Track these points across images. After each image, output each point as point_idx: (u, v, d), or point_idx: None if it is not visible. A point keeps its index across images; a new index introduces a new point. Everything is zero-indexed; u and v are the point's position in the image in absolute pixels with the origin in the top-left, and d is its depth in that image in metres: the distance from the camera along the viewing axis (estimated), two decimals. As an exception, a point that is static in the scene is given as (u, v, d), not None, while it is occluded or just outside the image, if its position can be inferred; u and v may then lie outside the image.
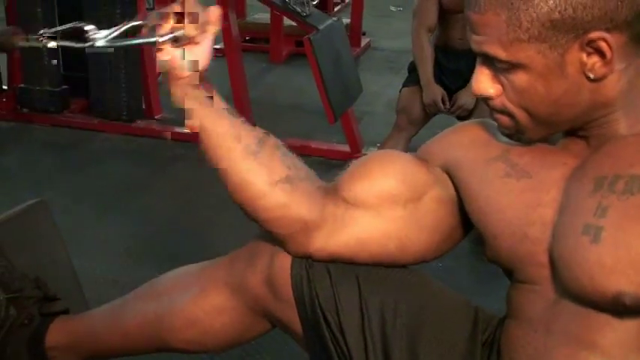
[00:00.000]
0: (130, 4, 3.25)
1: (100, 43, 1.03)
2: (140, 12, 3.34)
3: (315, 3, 3.72)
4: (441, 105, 2.63)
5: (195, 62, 1.02)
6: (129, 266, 2.16)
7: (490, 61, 0.91)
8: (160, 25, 1.00)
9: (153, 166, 3.05)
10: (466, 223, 1.08)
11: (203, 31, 1.01)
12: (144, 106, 3.50)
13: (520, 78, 0.89)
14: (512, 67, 0.89)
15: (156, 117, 3.54)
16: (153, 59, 3.61)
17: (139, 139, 3.31)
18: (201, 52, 1.03)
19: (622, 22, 0.85)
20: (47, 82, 3.38)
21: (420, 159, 1.10)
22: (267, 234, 1.10)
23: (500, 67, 0.90)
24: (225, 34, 3.13)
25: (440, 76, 2.69)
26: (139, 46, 1.04)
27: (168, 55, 1.01)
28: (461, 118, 2.69)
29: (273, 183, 1.04)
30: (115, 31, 1.03)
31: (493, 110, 0.96)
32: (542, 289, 0.96)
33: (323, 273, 1.08)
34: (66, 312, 1.31)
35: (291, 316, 1.10)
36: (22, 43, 1.11)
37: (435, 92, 2.64)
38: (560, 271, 0.92)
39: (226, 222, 2.48)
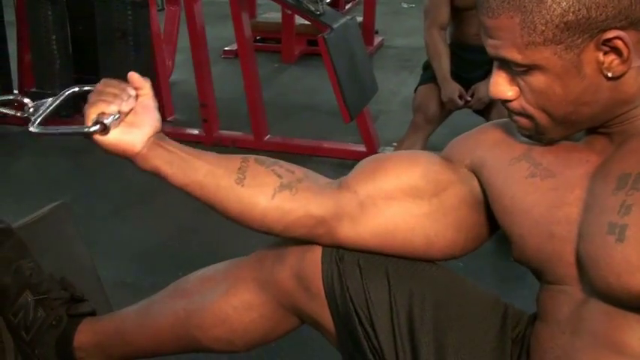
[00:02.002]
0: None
1: (33, 129, 1.08)
2: (153, 22, 3.37)
3: (327, 1, 3.75)
4: (459, 101, 2.65)
5: (142, 130, 1.06)
6: (145, 270, 2.19)
7: (507, 64, 0.93)
8: (85, 118, 1.04)
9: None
10: (492, 222, 1.10)
11: (129, 98, 1.05)
12: (156, 109, 3.55)
13: (537, 80, 0.91)
14: (529, 69, 0.91)
15: (168, 119, 3.59)
16: (164, 61, 3.66)
17: (151, 141, 3.36)
18: (143, 117, 1.07)
19: (637, 19, 0.87)
20: (58, 85, 3.40)
21: (445, 158, 1.12)
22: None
23: (517, 70, 0.92)
24: (237, 34, 3.17)
25: (456, 71, 2.71)
26: (72, 135, 1.09)
27: (107, 142, 1.06)
28: (479, 112, 2.71)
29: (270, 197, 1.07)
30: (51, 105, 1.08)
31: (512, 113, 0.98)
32: (570, 290, 0.98)
33: (353, 267, 1.10)
34: (93, 313, 1.34)
35: (322, 311, 1.12)
36: None
37: (452, 89, 2.66)
38: (587, 270, 0.94)
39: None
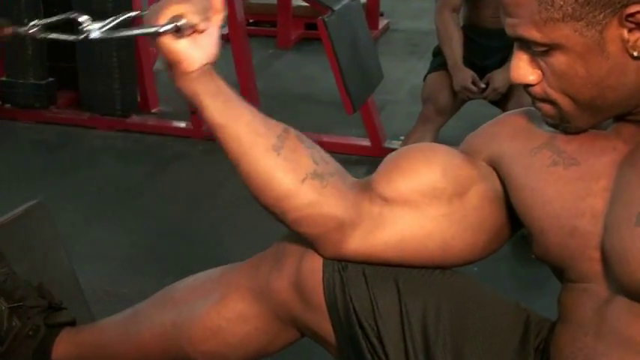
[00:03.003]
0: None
1: (95, 35, 1.06)
2: (135, 2, 3.39)
3: (327, -20, 3.75)
4: (473, 88, 2.66)
5: (203, 53, 1.05)
6: (129, 277, 2.20)
7: (527, 46, 0.95)
8: (159, 14, 1.02)
9: (152, 165, 3.09)
10: (514, 221, 1.11)
11: (207, 18, 1.03)
12: (139, 99, 3.55)
13: (559, 60, 0.93)
14: (550, 49, 0.92)
15: (153, 111, 3.59)
16: (148, 47, 3.67)
17: (134, 135, 3.36)
18: (208, 42, 1.05)
19: None
20: (32, 74, 3.42)
21: (464, 152, 1.14)
22: (296, 235, 1.14)
23: (537, 51, 0.94)
24: (229, 17, 3.17)
25: (469, 58, 2.71)
26: (137, 37, 1.07)
27: (171, 47, 1.04)
28: (495, 103, 2.72)
29: (300, 180, 1.07)
30: (110, 22, 1.06)
31: (534, 99, 1.00)
32: (594, 288, 0.99)
33: (358, 276, 1.11)
34: (73, 323, 1.35)
35: (323, 323, 1.13)
36: (9, 36, 1.15)
37: (465, 76, 2.66)
38: (612, 266, 0.95)
39: (236, 225, 2.53)
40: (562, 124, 1.00)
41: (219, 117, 1.06)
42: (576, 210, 0.99)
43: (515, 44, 0.97)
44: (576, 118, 0.98)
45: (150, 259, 2.31)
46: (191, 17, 1.02)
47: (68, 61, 3.48)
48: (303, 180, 1.07)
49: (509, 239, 1.17)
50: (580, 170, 1.00)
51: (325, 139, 3.21)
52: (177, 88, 1.07)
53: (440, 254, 1.11)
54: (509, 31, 0.95)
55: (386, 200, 1.10)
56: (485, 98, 2.71)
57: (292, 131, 1.10)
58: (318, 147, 1.12)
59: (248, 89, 3.22)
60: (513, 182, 1.07)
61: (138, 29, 1.08)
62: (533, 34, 0.92)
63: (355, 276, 1.11)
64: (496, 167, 1.10)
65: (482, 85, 2.66)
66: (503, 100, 2.68)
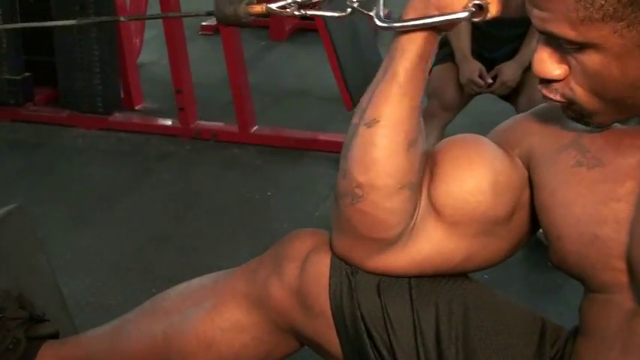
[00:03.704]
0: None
1: (382, 24, 1.05)
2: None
3: (324, -33, 3.76)
4: (480, 81, 2.66)
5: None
6: (113, 286, 2.20)
7: (556, 41, 0.94)
8: None
9: (136, 166, 3.09)
10: (534, 221, 1.12)
11: None
12: (122, 96, 3.55)
13: (592, 60, 0.92)
14: (583, 47, 0.91)
15: (137, 108, 3.60)
16: (131, 39, 3.67)
17: (118, 134, 3.36)
18: None
19: None
20: (6, 68, 3.40)
21: (505, 150, 1.12)
22: (297, 236, 1.15)
23: (568, 48, 0.93)
24: (218, 6, 3.18)
25: (478, 49, 2.72)
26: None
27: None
28: (505, 98, 2.73)
29: (402, 185, 1.05)
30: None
31: (549, 95, 0.98)
32: (618, 299, 1.00)
33: (369, 282, 1.12)
34: (55, 335, 1.36)
35: (327, 332, 1.14)
36: (262, 13, 1.15)
37: (472, 68, 2.67)
38: (639, 276, 0.96)
39: (228, 230, 2.54)
40: (583, 119, 1.00)
41: (406, 79, 1.03)
42: (598, 216, 0.99)
43: (541, 36, 0.96)
44: (600, 114, 0.98)
45: (136, 267, 2.32)
46: None
47: (46, 55, 3.48)
48: (403, 186, 1.06)
49: (529, 241, 1.18)
50: (604, 172, 1.00)
51: (321, 137, 3.23)
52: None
53: (461, 267, 1.12)
54: (536, 24, 0.93)
55: (425, 215, 1.09)
56: (493, 92, 2.71)
57: (424, 131, 1.09)
58: (424, 144, 1.09)
59: (239, 84, 3.23)
60: (536, 181, 1.08)
61: (443, 17, 1.03)
62: (567, 32, 0.90)
63: (365, 281, 1.12)
64: (527, 164, 1.11)
65: (490, 80, 2.67)
66: (514, 94, 2.69)
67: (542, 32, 0.94)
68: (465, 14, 1.02)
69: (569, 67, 0.95)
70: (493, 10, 1.04)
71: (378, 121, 1.04)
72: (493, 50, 2.73)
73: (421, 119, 1.08)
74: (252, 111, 3.31)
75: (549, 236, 1.05)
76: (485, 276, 2.17)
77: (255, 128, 3.30)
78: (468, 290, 1.13)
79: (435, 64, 2.86)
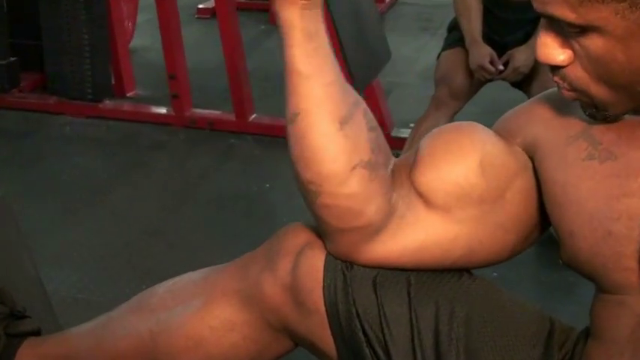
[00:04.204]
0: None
1: None
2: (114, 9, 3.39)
3: (327, -54, 3.76)
4: (490, 67, 2.66)
5: None
6: (101, 283, 2.20)
7: (558, 25, 0.94)
8: None
9: (127, 156, 3.10)
10: (545, 218, 1.11)
11: None
12: (113, 82, 3.56)
13: (595, 43, 0.92)
14: (585, 30, 0.91)
15: (128, 95, 3.60)
16: (122, 22, 3.67)
17: (108, 122, 3.37)
18: None
19: None
20: (-8, 53, 3.42)
21: (503, 138, 1.13)
22: (292, 230, 1.15)
23: (570, 32, 0.93)
24: (215, -12, 3.19)
25: (488, 33, 2.72)
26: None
27: None
28: (516, 85, 2.73)
29: (351, 165, 1.06)
30: None
31: (561, 86, 0.98)
32: (630, 301, 1.00)
33: (364, 276, 1.12)
34: (37, 332, 1.36)
35: (321, 330, 1.14)
36: None
37: (482, 53, 2.66)
38: None
39: (221, 225, 2.54)
40: (599, 112, 0.99)
41: (302, 64, 1.03)
42: (611, 211, 0.99)
43: (543, 20, 0.96)
44: (612, 104, 0.98)
45: (125, 262, 2.32)
46: None
47: (33, 39, 3.48)
48: (354, 167, 1.06)
49: (540, 238, 1.17)
50: (617, 165, 1.00)
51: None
52: (273, 9, 1.04)
53: (464, 260, 1.12)
54: (537, 7, 0.93)
55: (416, 195, 1.10)
56: (504, 79, 2.71)
57: (362, 105, 1.09)
58: (379, 129, 1.11)
59: (236, 70, 3.23)
60: (545, 175, 1.07)
61: None
62: (567, 14, 0.90)
63: (361, 276, 1.12)
64: (531, 155, 1.10)
65: (501, 66, 2.66)
66: (526, 81, 2.68)
67: (543, 15, 0.94)
68: None
69: (574, 53, 0.95)
70: None
71: (297, 114, 1.05)
72: (505, 34, 2.73)
73: (348, 92, 1.07)
74: (251, 98, 3.31)
75: (560, 233, 1.05)
76: (495, 274, 2.18)
77: (253, 117, 3.30)
78: (471, 289, 1.13)
79: (443, 49, 2.86)
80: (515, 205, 1.11)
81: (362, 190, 1.06)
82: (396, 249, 1.11)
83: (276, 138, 3.16)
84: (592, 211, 1.00)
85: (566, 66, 0.96)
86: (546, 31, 0.96)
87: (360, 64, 2.97)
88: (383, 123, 3.15)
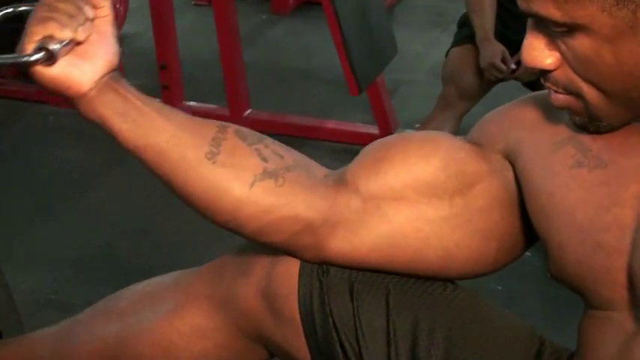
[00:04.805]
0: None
1: None
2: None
3: None
4: (502, 66, 2.65)
5: (95, 65, 1.05)
6: (79, 285, 2.21)
7: (544, 24, 0.94)
8: (24, 40, 1.03)
9: (113, 149, 3.00)
10: (532, 228, 1.11)
11: (84, 23, 1.04)
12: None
13: (582, 44, 0.92)
14: (571, 29, 0.92)
15: (117, 84, 3.61)
16: (113, 6, 3.67)
17: (93, 113, 3.37)
18: (97, 48, 1.06)
19: None
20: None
21: (473, 143, 1.14)
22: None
23: (556, 31, 0.93)
24: (211, -27, 3.19)
25: (501, 30, 2.71)
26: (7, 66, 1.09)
27: (49, 75, 1.04)
28: (530, 85, 2.72)
29: (248, 184, 1.08)
30: None
31: (553, 90, 0.98)
32: (619, 317, 1.00)
33: (341, 283, 1.12)
34: (-1, 336, 1.37)
35: (296, 340, 1.14)
36: None
37: (493, 51, 2.65)
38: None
39: (212, 225, 2.52)
40: (592, 123, 1.00)
41: (135, 139, 1.07)
42: (600, 222, 0.99)
43: (529, 21, 0.97)
44: (607, 113, 0.98)
45: (106, 263, 2.33)
46: (61, 34, 1.02)
47: (15, 21, 3.47)
48: (252, 184, 1.08)
49: (527, 249, 1.17)
50: (607, 174, 1.00)
51: (325, 124, 3.23)
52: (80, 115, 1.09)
53: (440, 264, 1.12)
54: (522, 4, 0.94)
55: (370, 196, 1.11)
56: (517, 79, 2.70)
57: (231, 129, 1.11)
58: (268, 139, 1.13)
59: (232, 61, 3.23)
60: (529, 184, 1.07)
61: (5, 57, 1.07)
62: (551, 12, 0.91)
63: (338, 283, 1.12)
64: (512, 162, 1.11)
65: (513, 65, 2.66)
66: (540, 82, 2.66)
67: (528, 14, 0.95)
68: (30, 58, 1.03)
69: (562, 55, 0.96)
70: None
71: (168, 180, 1.09)
72: (518, 31, 2.69)
73: (203, 124, 1.11)
74: (247, 92, 3.31)
75: (548, 244, 1.05)
76: (499, 287, 2.17)
77: (248, 112, 3.30)
78: (455, 302, 1.13)
79: (452, 46, 2.86)
80: (487, 211, 1.11)
81: (276, 199, 1.09)
82: (363, 245, 1.11)
83: (272, 135, 3.14)
84: (581, 222, 1.00)
85: (555, 70, 0.97)
86: (533, 33, 0.97)
87: (364, 60, 2.98)
88: (386, 122, 3.15)
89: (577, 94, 0.97)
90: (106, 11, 1.07)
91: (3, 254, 2.03)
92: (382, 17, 3.24)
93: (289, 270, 1.14)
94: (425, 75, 3.86)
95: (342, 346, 1.11)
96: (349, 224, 1.11)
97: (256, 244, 1.15)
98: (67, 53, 1.04)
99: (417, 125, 3.00)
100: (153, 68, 3.39)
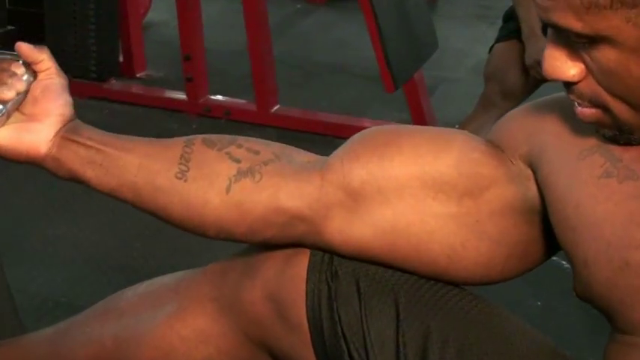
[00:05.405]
0: None
1: None
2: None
3: None
4: None
5: (46, 123, 1.11)
6: (89, 286, 2.23)
7: (565, 35, 0.93)
8: None
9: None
10: (551, 239, 1.11)
11: (18, 85, 1.10)
12: (121, 60, 3.60)
13: (606, 56, 0.91)
14: (594, 41, 0.91)
15: (138, 75, 3.64)
16: (137, -8, 3.70)
17: (112, 105, 3.40)
18: (44, 106, 1.12)
19: None
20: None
21: (491, 144, 1.13)
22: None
23: (578, 42, 0.93)
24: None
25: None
26: None
27: (5, 143, 1.11)
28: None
29: (224, 190, 1.11)
30: None
31: (577, 102, 0.98)
32: None
33: (350, 289, 1.12)
34: (-6, 336, 1.37)
35: (303, 349, 1.14)
36: None
37: (540, 47, 2.63)
38: None
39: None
40: (623, 136, 0.99)
41: (108, 182, 1.13)
42: (630, 238, 0.98)
43: (550, 30, 0.96)
44: (638, 127, 0.97)
45: (117, 265, 2.34)
46: (7, 98, 1.09)
47: (34, 6, 3.51)
48: (228, 188, 1.11)
49: (545, 261, 1.17)
50: (638, 186, 0.99)
51: (358, 122, 3.21)
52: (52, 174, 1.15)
53: (445, 262, 1.12)
54: (541, 15, 0.93)
55: (368, 180, 1.11)
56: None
57: (198, 140, 1.15)
58: (241, 139, 1.15)
59: (260, 53, 3.25)
60: (553, 193, 1.07)
61: None
62: (572, 23, 0.90)
63: (347, 289, 1.12)
64: (535, 168, 1.10)
65: None
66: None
67: (548, 24, 0.94)
68: None
69: (586, 66, 0.95)
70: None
71: (156, 214, 1.16)
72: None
73: (167, 145, 1.15)
74: (275, 87, 3.32)
75: (574, 261, 1.04)
76: (538, 303, 2.16)
77: (276, 107, 3.31)
78: (471, 314, 1.12)
79: (496, 41, 2.85)
80: (498, 215, 1.11)
81: (255, 195, 1.11)
82: (367, 227, 1.11)
83: (301, 133, 3.17)
84: (609, 237, 1.00)
85: (579, 82, 0.96)
86: (553, 43, 0.95)
87: (401, 55, 2.97)
88: (423, 122, 3.14)
89: (604, 107, 0.97)
90: (46, 65, 1.13)
91: (12, 255, 2.05)
92: (423, 9, 3.24)
93: (296, 273, 1.14)
94: (468, 73, 3.85)
95: (350, 356, 1.11)
96: (345, 206, 1.11)
97: (258, 245, 1.17)
98: (6, 120, 1.11)
99: (457, 126, 2.98)
100: (176, 59, 3.42)
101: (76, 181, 1.14)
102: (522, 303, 2.18)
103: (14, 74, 1.11)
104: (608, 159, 1.02)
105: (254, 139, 1.16)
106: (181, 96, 3.40)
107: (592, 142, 1.04)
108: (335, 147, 1.19)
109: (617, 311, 1.01)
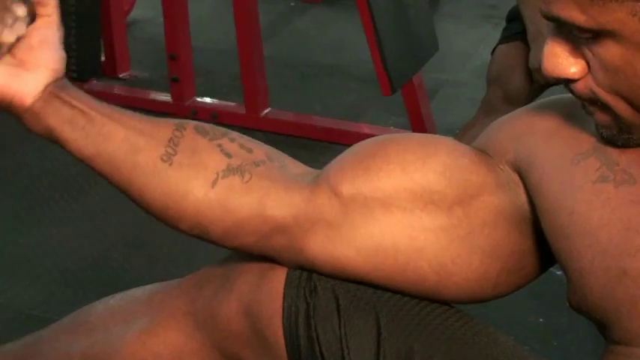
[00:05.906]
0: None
1: None
2: None
3: None
4: None
5: (37, 72, 1.09)
6: (65, 298, 2.23)
7: (567, 29, 0.95)
8: None
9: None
10: (546, 250, 1.11)
11: (27, 24, 1.08)
12: (103, 59, 3.60)
13: (610, 52, 0.92)
14: (597, 35, 0.92)
15: (121, 75, 3.65)
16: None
17: (92, 108, 3.39)
18: (42, 57, 1.10)
19: None
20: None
21: (479, 151, 1.14)
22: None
23: (581, 37, 0.94)
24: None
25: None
26: None
27: None
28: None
29: (210, 183, 1.11)
30: None
31: (579, 99, 0.99)
32: None
33: (330, 306, 1.12)
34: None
35: None
36: None
37: (545, 50, 2.65)
38: None
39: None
40: (621, 136, 1.00)
41: (86, 148, 1.11)
42: (627, 246, 0.99)
43: (551, 25, 0.97)
44: (637, 127, 0.98)
45: (95, 276, 2.34)
46: (5, 37, 1.07)
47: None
48: (214, 182, 1.10)
49: (541, 274, 1.17)
50: (636, 191, 1.00)
51: (353, 127, 3.22)
52: (26, 126, 1.12)
53: (434, 280, 1.12)
54: (542, 8, 0.95)
55: (356, 196, 1.11)
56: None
57: (190, 126, 1.14)
58: (234, 134, 1.15)
59: (251, 54, 3.24)
60: (545, 200, 1.07)
61: None
62: (575, 16, 0.91)
63: (326, 305, 1.12)
64: (524, 174, 1.11)
65: None
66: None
67: (549, 18, 0.95)
68: None
69: (588, 63, 0.96)
70: None
71: (126, 187, 1.14)
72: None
73: (159, 124, 1.13)
74: (266, 89, 3.32)
75: (568, 270, 1.05)
76: (541, 320, 2.16)
77: (267, 111, 3.31)
78: (457, 334, 1.12)
79: (500, 42, 2.84)
80: (490, 226, 1.11)
81: (242, 196, 1.11)
82: (350, 245, 1.11)
83: (294, 138, 3.18)
84: (605, 245, 1.00)
85: (579, 79, 0.97)
86: (554, 39, 0.97)
87: (399, 56, 2.97)
88: (422, 126, 3.15)
89: (603, 106, 0.98)
90: (49, 10, 1.10)
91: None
92: (423, 8, 3.23)
93: (274, 288, 1.14)
94: (471, 75, 3.85)
95: None
96: (330, 222, 1.11)
97: (241, 253, 1.17)
98: (11, 59, 1.09)
99: (458, 131, 2.99)
100: (162, 59, 3.42)
101: (52, 140, 1.12)
102: (525, 320, 2.19)
103: (16, 16, 1.08)
104: (604, 162, 1.03)
105: (246, 136, 1.16)
106: (166, 98, 3.41)
107: (587, 145, 1.05)
108: (329, 153, 1.19)
109: (613, 321, 1.01)
